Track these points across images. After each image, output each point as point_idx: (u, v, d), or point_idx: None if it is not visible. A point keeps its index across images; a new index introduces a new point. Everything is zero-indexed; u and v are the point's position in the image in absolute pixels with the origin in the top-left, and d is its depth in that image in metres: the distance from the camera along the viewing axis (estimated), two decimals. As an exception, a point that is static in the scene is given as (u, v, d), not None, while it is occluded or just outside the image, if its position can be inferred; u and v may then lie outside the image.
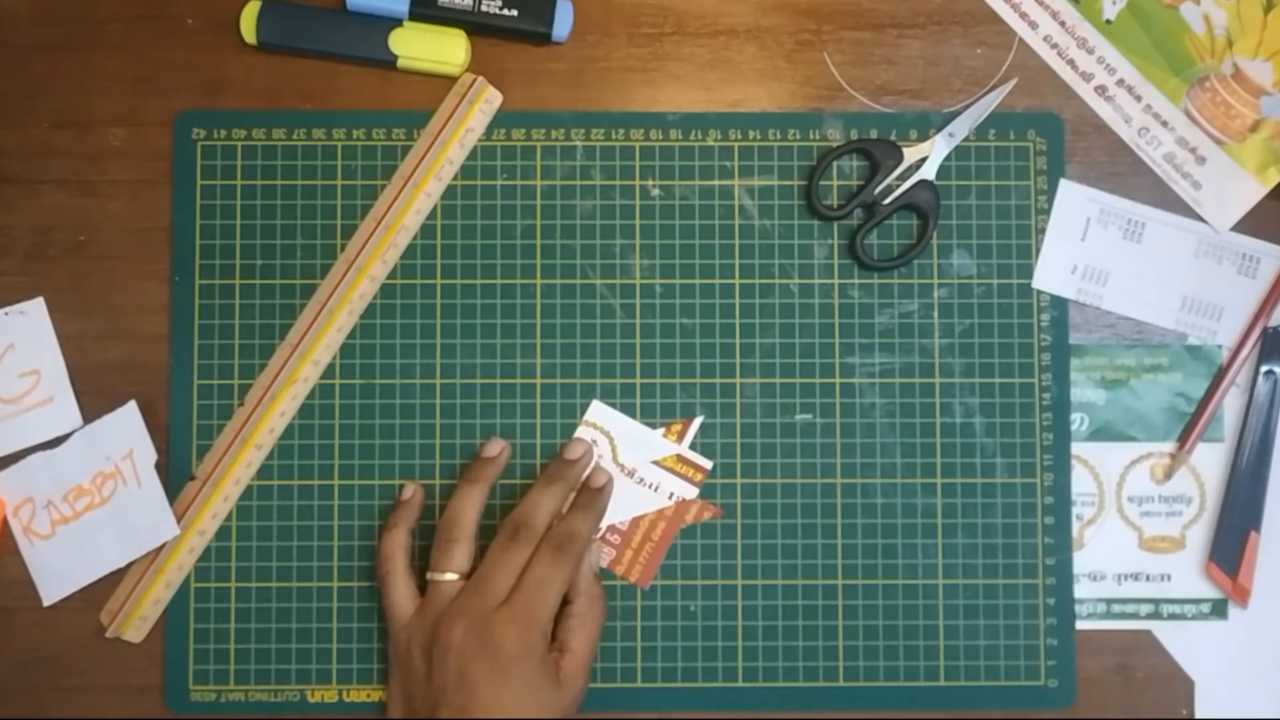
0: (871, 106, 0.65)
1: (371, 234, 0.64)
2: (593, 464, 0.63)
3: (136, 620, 0.63)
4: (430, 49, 0.63)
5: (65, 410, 0.63)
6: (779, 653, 0.63)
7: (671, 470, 0.63)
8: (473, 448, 0.63)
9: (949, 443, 0.64)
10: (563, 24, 0.64)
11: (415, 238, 0.64)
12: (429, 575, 0.59)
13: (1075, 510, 0.64)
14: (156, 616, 0.63)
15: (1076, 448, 0.64)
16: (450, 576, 0.58)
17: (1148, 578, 0.64)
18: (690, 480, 0.63)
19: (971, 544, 0.63)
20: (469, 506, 0.60)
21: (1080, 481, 0.64)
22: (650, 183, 0.65)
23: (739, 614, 0.63)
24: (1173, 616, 0.64)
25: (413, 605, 0.59)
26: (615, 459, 0.63)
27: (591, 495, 0.62)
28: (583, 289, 0.64)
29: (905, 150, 0.64)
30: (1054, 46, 0.65)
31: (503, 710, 0.55)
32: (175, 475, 0.63)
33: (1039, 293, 0.64)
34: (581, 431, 0.63)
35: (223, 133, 0.64)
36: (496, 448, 0.62)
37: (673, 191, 0.65)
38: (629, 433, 0.63)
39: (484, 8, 0.63)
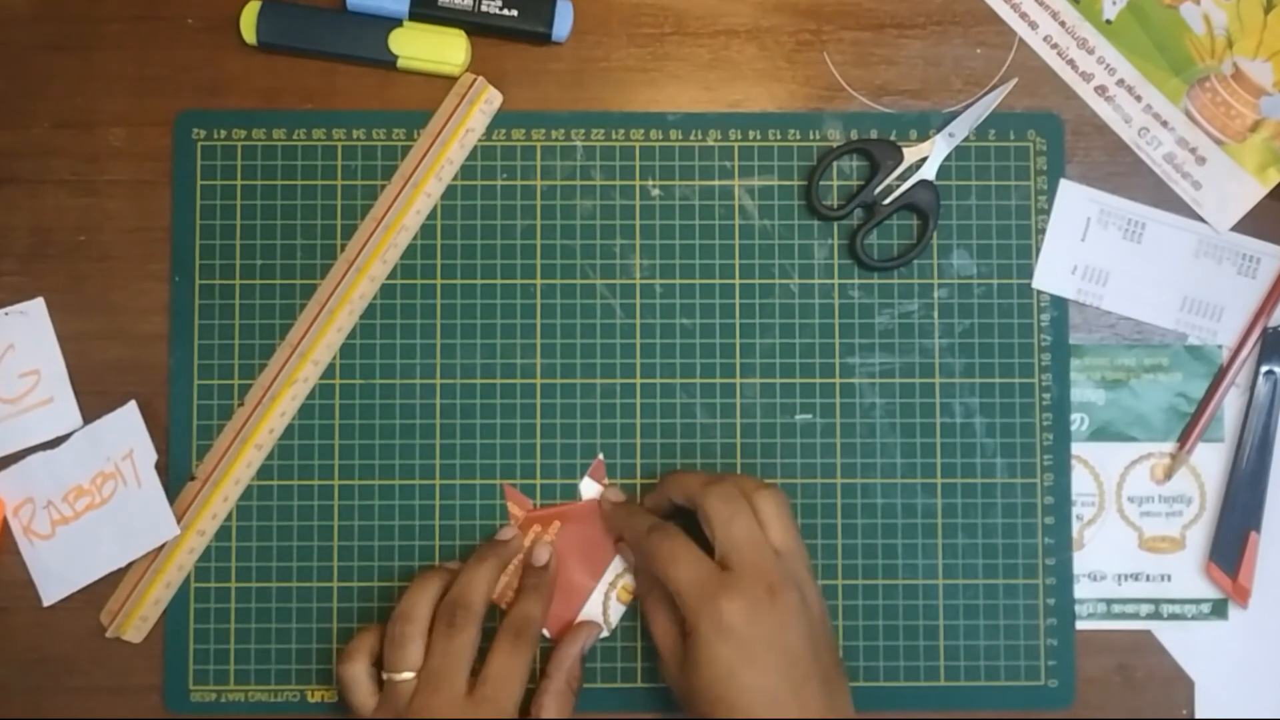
0: (871, 106, 0.65)
1: (371, 234, 0.64)
2: (529, 541, 0.63)
3: (136, 620, 0.63)
4: (430, 49, 0.63)
5: (65, 410, 0.63)
6: (779, 653, 0.63)
7: None
8: (473, 448, 0.63)
9: (949, 443, 0.64)
10: (563, 24, 0.64)
11: (415, 238, 0.64)
12: (384, 675, 0.57)
13: (1075, 510, 0.64)
14: (156, 617, 0.63)
15: (1076, 448, 0.64)
16: (407, 675, 0.56)
17: (1148, 578, 0.64)
18: None
19: (971, 544, 0.63)
20: (424, 598, 0.58)
21: (1080, 481, 0.64)
22: (650, 183, 0.65)
23: (739, 614, 0.63)
24: (1173, 616, 0.64)
25: (373, 702, 0.58)
26: None
27: (538, 574, 0.61)
28: (583, 289, 0.64)
29: (905, 150, 0.64)
30: (1054, 46, 0.65)
31: None
32: (175, 475, 0.63)
33: (1039, 293, 0.64)
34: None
35: (223, 133, 0.64)
36: (510, 533, 0.62)
37: (673, 191, 0.65)
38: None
39: (484, 8, 0.63)
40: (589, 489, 0.63)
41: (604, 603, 0.63)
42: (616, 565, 0.63)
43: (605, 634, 0.63)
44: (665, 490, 0.60)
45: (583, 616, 0.63)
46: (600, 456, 0.63)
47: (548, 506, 0.63)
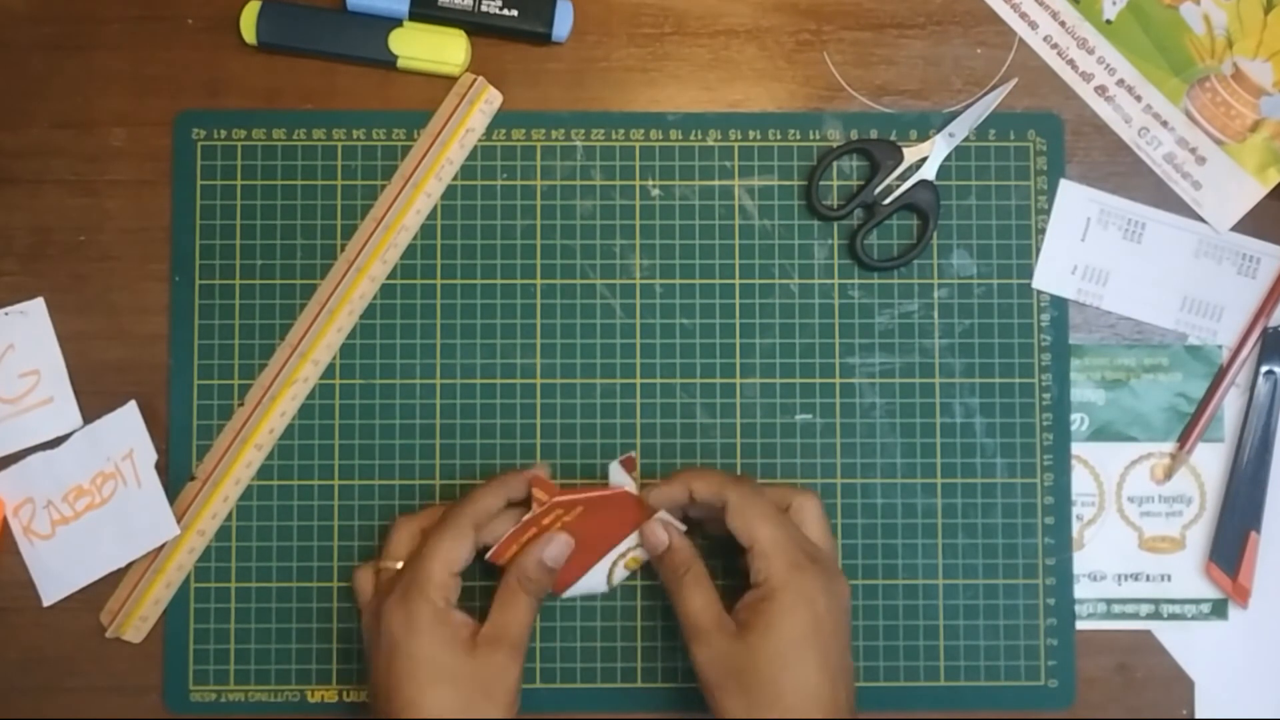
0: (871, 106, 0.65)
1: (371, 234, 0.64)
2: (549, 520, 0.59)
3: (136, 620, 0.63)
4: (430, 49, 0.63)
5: (65, 410, 0.63)
6: (779, 653, 0.63)
7: None
8: (473, 448, 0.63)
9: (949, 443, 0.64)
10: (563, 24, 0.64)
11: (415, 238, 0.64)
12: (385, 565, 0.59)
13: (1075, 510, 0.64)
14: (156, 617, 0.63)
15: (1076, 448, 0.64)
16: (390, 564, 0.58)
17: (1148, 578, 0.64)
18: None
19: (971, 544, 0.63)
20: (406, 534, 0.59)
21: (1080, 481, 0.64)
22: (650, 183, 0.65)
23: (739, 614, 0.63)
24: (1173, 616, 0.64)
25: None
26: None
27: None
28: (583, 289, 0.64)
29: (905, 150, 0.64)
30: (1054, 46, 0.65)
31: (398, 685, 0.54)
32: (175, 475, 0.63)
33: (1039, 293, 0.64)
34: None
35: (223, 133, 0.64)
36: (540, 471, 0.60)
37: (673, 191, 0.65)
38: None
39: (484, 8, 0.63)
40: (617, 475, 0.60)
41: (609, 569, 0.61)
42: (629, 540, 0.60)
43: (605, 590, 0.61)
44: (689, 484, 0.58)
45: (587, 578, 0.61)
46: (635, 454, 0.61)
47: (574, 489, 0.59)
